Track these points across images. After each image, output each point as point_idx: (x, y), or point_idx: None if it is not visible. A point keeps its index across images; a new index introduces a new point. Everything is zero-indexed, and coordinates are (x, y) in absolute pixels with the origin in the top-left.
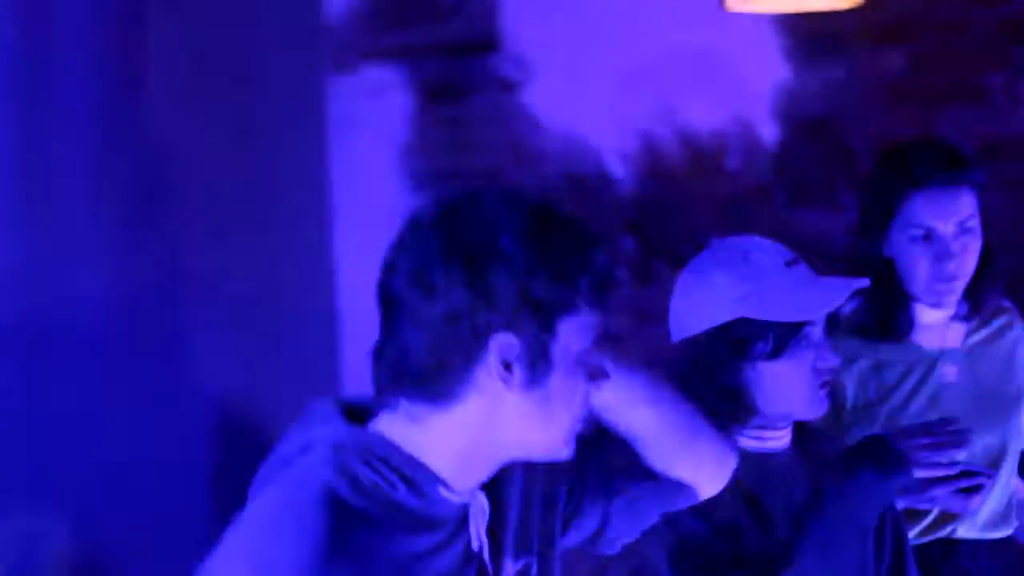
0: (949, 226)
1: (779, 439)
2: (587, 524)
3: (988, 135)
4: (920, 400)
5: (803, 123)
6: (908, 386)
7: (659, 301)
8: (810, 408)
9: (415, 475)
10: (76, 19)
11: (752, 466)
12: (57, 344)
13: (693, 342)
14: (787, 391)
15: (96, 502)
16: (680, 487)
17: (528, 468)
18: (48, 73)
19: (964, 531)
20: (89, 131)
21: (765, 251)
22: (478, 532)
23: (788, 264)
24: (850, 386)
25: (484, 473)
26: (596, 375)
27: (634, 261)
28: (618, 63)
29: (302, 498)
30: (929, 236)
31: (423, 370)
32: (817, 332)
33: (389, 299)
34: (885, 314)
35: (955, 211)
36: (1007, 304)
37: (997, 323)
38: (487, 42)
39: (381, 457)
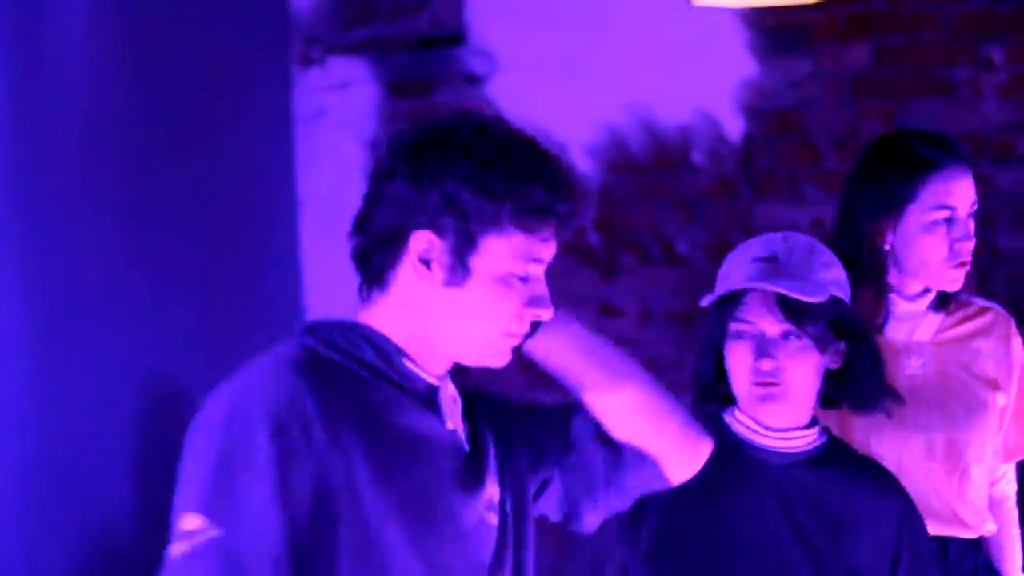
0: (965, 207)
1: (800, 439)
2: (554, 491)
3: (953, 129)
4: None
5: (768, 117)
6: None
7: (624, 294)
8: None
9: (378, 343)
10: (48, 15)
11: (740, 460)
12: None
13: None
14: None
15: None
16: (649, 465)
17: (503, 415)
18: (39, 69)
19: (936, 529)
20: (61, 122)
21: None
22: (451, 413)
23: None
24: None
25: (438, 360)
26: (534, 303)
27: (599, 255)
28: (584, 57)
29: (283, 354)
30: (950, 218)
31: (365, 252)
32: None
33: (370, 188)
34: (866, 305)
35: (968, 191)
36: (979, 300)
37: (976, 321)
38: (453, 36)
39: (348, 328)
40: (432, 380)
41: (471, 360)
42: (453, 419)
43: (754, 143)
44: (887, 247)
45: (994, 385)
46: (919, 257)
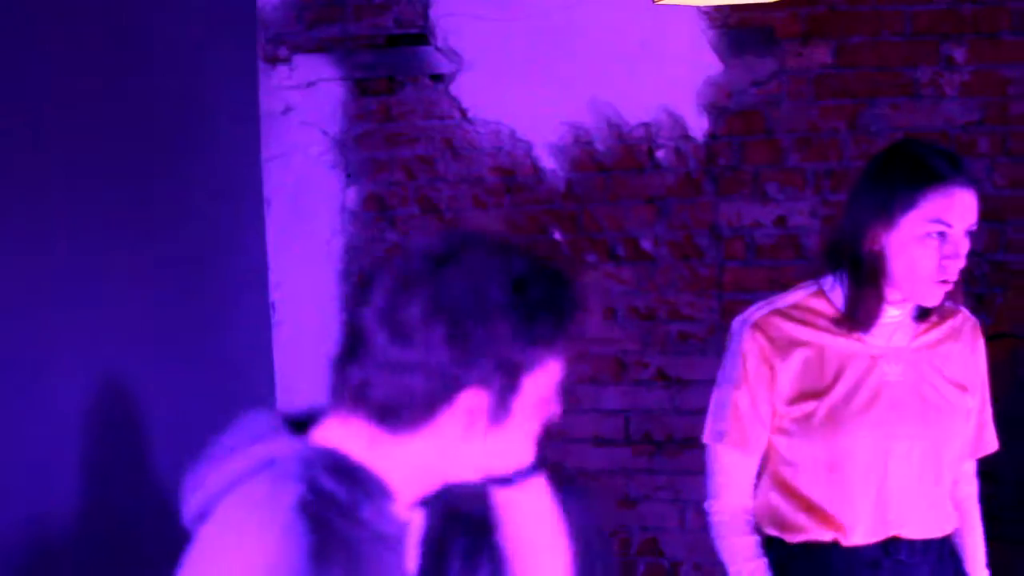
0: (962, 226)
1: None
2: None
3: (915, 128)
4: (862, 396)
5: (732, 115)
6: (850, 380)
7: (589, 291)
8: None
9: (374, 491)
10: (15, 9)
11: None
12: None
13: None
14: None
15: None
16: None
17: (471, 534)
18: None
19: (914, 533)
20: (21, 117)
21: None
22: (413, 549)
23: None
24: (792, 370)
25: (428, 492)
26: (549, 407)
27: (565, 253)
28: (548, 55)
29: (282, 514)
30: (943, 234)
31: (387, 404)
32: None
33: (357, 328)
34: (858, 306)
35: (968, 212)
36: (956, 307)
37: (946, 326)
38: (418, 35)
39: (347, 473)
40: (403, 518)
41: (478, 477)
42: (412, 553)
43: (718, 141)
44: (881, 252)
45: (964, 388)
46: (906, 267)
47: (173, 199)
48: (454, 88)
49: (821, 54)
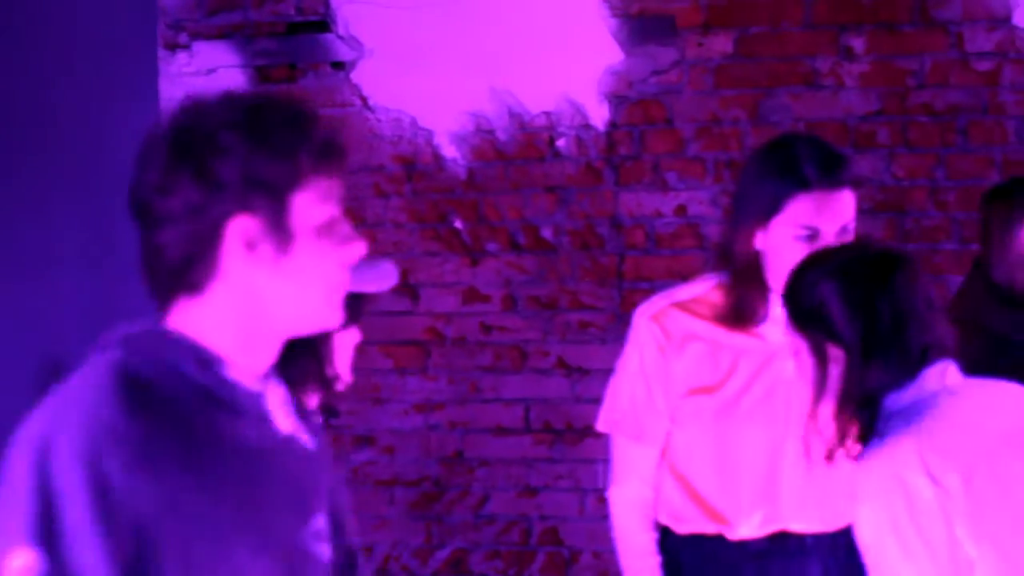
0: (833, 228)
1: None
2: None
3: (815, 118)
4: (755, 391)
5: (633, 105)
6: (745, 375)
7: (489, 280)
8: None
9: (199, 355)
10: None
11: None
12: None
13: None
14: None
15: None
16: None
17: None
18: None
19: (798, 526)
20: None
21: None
22: (285, 415)
23: None
24: (688, 363)
25: (266, 353)
26: (346, 241)
27: (465, 242)
28: (450, 44)
29: (97, 374)
30: (812, 237)
31: (176, 264)
32: None
33: (140, 210)
34: (743, 303)
35: (841, 214)
36: None
37: None
38: (319, 22)
39: (162, 337)
40: (255, 387)
41: (308, 328)
42: (287, 421)
43: (619, 130)
44: (758, 249)
45: None
46: (781, 267)
47: (70, 188)
48: (355, 76)
49: (722, 44)
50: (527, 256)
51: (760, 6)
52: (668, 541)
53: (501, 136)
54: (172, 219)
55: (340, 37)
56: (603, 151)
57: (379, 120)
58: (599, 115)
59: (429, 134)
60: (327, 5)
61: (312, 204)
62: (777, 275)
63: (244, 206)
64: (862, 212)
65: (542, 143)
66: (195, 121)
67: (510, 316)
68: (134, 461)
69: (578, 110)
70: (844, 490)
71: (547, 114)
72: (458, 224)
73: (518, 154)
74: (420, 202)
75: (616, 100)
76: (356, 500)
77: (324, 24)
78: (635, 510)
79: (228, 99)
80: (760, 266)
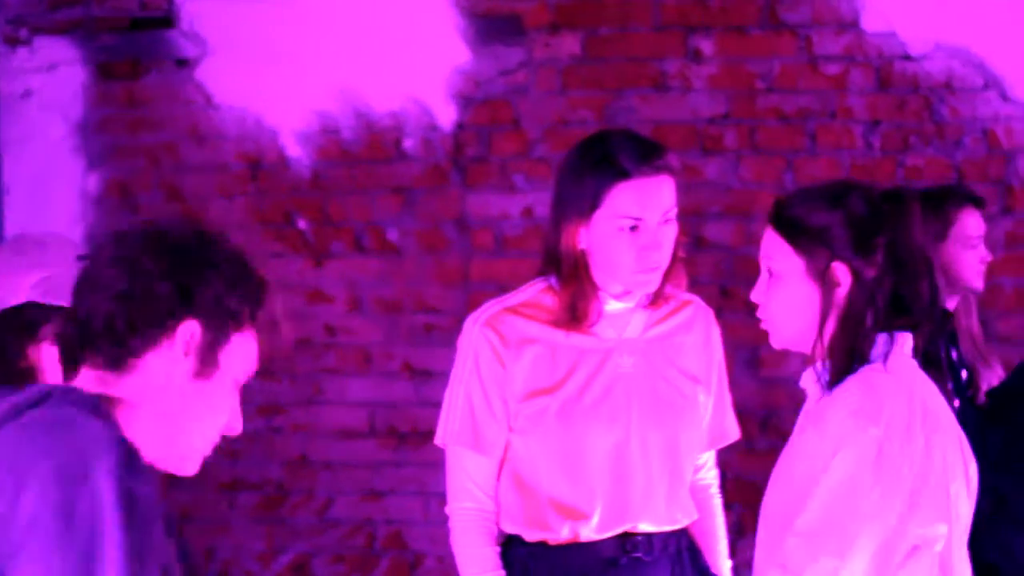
0: (655, 216)
1: None
2: None
3: (663, 120)
4: (595, 389)
5: (480, 105)
6: (583, 374)
7: (334, 281)
8: None
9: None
10: None
11: None
12: None
13: None
14: None
15: None
16: None
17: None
18: None
19: (643, 525)
20: None
21: (61, 244)
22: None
23: (79, 258)
24: (525, 367)
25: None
26: (232, 420)
27: (310, 242)
28: (296, 42)
29: (101, 435)
30: (636, 227)
31: (111, 331)
32: None
33: (87, 281)
34: (576, 304)
35: (660, 202)
36: (690, 297)
37: (680, 316)
38: (163, 18)
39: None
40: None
41: (166, 465)
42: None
43: (466, 131)
44: (582, 247)
45: (696, 380)
46: (606, 262)
47: None
48: (199, 73)
49: (570, 44)
50: (372, 258)
51: (608, 7)
52: (516, 551)
53: (347, 136)
54: (127, 294)
55: (184, 33)
56: (450, 152)
57: (223, 118)
58: (446, 116)
59: (274, 133)
60: (170, 1)
61: (242, 351)
62: (604, 271)
63: (204, 318)
64: (708, 215)
65: (388, 143)
66: (175, 233)
67: (355, 318)
68: None
69: (425, 110)
70: (687, 487)
71: (394, 114)
72: (302, 224)
73: (364, 154)
74: (264, 201)
75: (463, 100)
76: (197, 503)
77: (168, 20)
78: (476, 524)
79: (204, 234)
80: (586, 265)
